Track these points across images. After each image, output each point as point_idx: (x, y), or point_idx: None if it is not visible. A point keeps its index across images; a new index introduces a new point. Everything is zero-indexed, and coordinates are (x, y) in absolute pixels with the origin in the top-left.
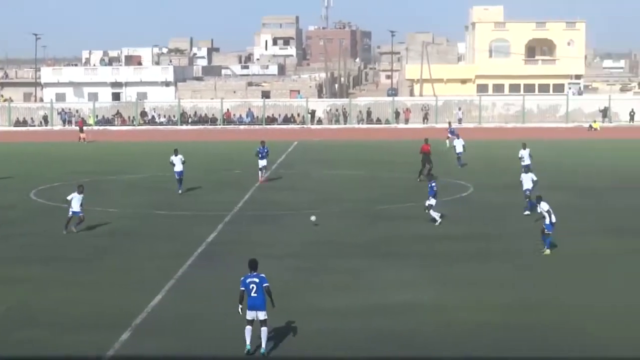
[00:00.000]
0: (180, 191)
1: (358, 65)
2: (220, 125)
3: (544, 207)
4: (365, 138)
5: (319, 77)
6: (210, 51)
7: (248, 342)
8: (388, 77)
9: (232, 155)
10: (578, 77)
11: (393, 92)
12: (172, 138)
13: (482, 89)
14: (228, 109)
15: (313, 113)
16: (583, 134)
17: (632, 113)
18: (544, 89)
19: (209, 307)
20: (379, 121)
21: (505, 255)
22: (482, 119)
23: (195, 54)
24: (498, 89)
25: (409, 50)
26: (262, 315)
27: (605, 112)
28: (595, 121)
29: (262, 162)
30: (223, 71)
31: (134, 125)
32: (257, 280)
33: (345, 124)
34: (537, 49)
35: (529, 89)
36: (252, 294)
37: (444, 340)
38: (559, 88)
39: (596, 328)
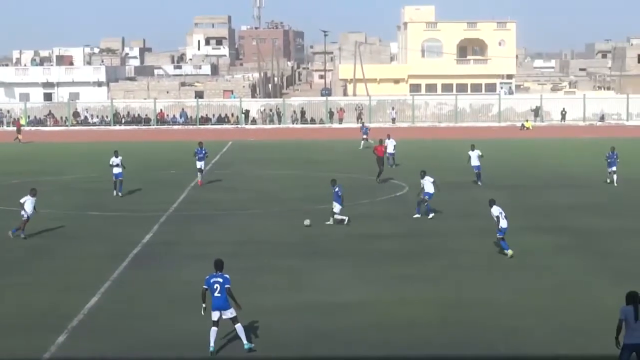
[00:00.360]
0: (120, 194)
1: (291, 65)
2: (153, 125)
3: (494, 211)
4: (299, 138)
5: (253, 77)
6: (143, 51)
7: (212, 343)
8: (321, 77)
9: (167, 155)
10: (510, 76)
11: (327, 92)
12: (106, 138)
13: (415, 88)
14: (161, 109)
15: (247, 113)
16: (515, 133)
17: (563, 112)
18: (476, 88)
19: (145, 308)
20: (313, 121)
21: (438, 253)
22: (415, 118)
23: (127, 53)
24: (431, 88)
25: (341, 50)
26: (228, 314)
27: (537, 112)
28: (527, 120)
29: (200, 164)
30: (156, 71)
31: (66, 126)
32: (220, 280)
33: (279, 123)
34: (469, 48)
35: (462, 88)
36: (216, 294)
37: (377, 338)
38: (491, 87)
39: (527, 325)
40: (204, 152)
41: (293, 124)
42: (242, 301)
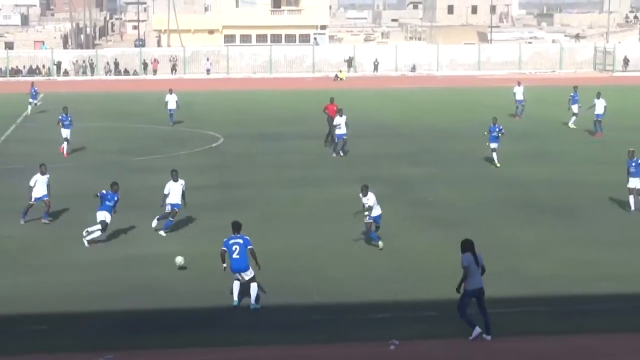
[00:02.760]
0: None
1: (104, 16)
2: None
3: (369, 200)
4: (113, 89)
5: (64, 28)
6: None
7: (235, 297)
8: (135, 27)
9: None
10: (323, 27)
11: (140, 43)
12: None
13: (229, 39)
14: None
15: (59, 64)
16: (329, 83)
17: (376, 63)
18: (290, 39)
19: None
20: (126, 72)
21: (254, 203)
22: (230, 69)
23: None
24: (245, 39)
25: (155, 1)
26: (246, 275)
27: (350, 62)
28: (341, 71)
29: (66, 132)
30: None
31: None
32: (240, 241)
33: (92, 75)
34: None
35: (276, 39)
36: (235, 256)
37: (201, 289)
38: (305, 38)
39: (340, 272)
40: (69, 118)
41: (106, 75)
42: (62, 255)
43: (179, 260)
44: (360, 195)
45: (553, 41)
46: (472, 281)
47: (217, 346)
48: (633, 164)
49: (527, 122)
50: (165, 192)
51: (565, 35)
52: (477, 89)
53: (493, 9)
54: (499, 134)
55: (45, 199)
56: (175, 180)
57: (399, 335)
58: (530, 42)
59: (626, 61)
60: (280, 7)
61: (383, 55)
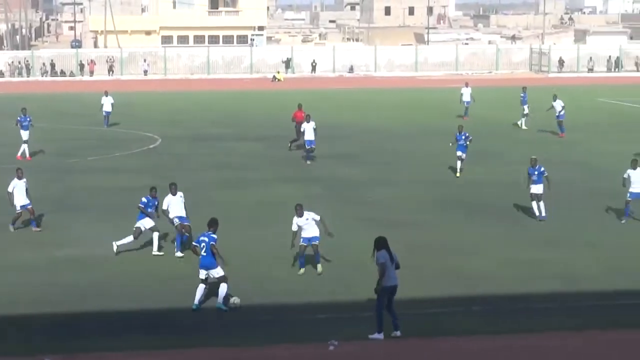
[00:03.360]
0: None
1: (40, 17)
2: None
3: (300, 220)
4: (49, 91)
5: None
6: None
7: (196, 300)
8: (71, 28)
9: None
10: (261, 28)
11: (77, 44)
12: None
13: (166, 40)
14: None
15: None
16: (267, 84)
17: (313, 64)
18: (228, 40)
19: None
20: (63, 73)
21: (190, 205)
22: (167, 70)
23: None
24: (183, 40)
25: (92, 1)
26: (214, 273)
27: (288, 63)
28: (278, 72)
29: (25, 134)
30: None
31: None
32: (206, 239)
33: (28, 76)
34: (221, 0)
35: (214, 40)
36: (202, 253)
37: (142, 291)
38: (242, 39)
39: (279, 273)
40: (28, 119)
41: (43, 76)
42: (2, 256)
43: (236, 301)
44: (295, 217)
45: (489, 42)
46: (388, 278)
47: (158, 349)
48: (535, 172)
49: (468, 122)
50: (164, 207)
51: (501, 37)
52: (415, 89)
53: (430, 10)
54: (467, 142)
55: (29, 207)
56: (174, 194)
57: (338, 335)
58: (466, 44)
59: (561, 62)
60: (217, 8)
61: (321, 56)
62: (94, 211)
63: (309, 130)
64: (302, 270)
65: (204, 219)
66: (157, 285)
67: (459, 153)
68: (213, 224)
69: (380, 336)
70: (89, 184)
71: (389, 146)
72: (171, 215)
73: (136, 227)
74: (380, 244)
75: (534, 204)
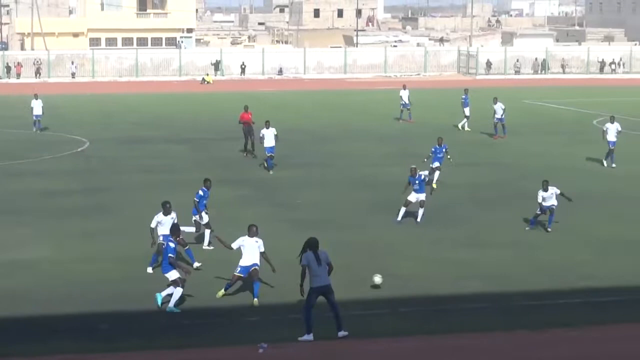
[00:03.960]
0: None
1: None
2: None
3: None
4: None
5: None
6: None
7: (159, 301)
8: None
9: None
10: (190, 30)
11: (3, 46)
12: None
13: (94, 42)
14: None
15: None
16: (196, 87)
17: (243, 66)
18: (157, 42)
19: None
20: None
21: (118, 208)
22: (95, 73)
23: None
24: (111, 42)
25: (18, 3)
26: (169, 276)
27: (217, 66)
28: (207, 74)
29: None
30: None
31: None
32: (164, 245)
33: None
34: (149, 2)
35: (142, 42)
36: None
37: (61, 294)
38: (171, 41)
39: (205, 274)
40: None
41: None
42: None
43: (378, 279)
44: (246, 237)
45: (418, 45)
46: (316, 279)
47: (81, 353)
48: (417, 181)
49: (399, 124)
50: (152, 225)
51: (429, 39)
52: (344, 91)
53: (359, 12)
54: (445, 154)
55: None
56: (167, 214)
57: (268, 338)
58: (395, 46)
59: (489, 64)
60: (146, 10)
61: (250, 58)
62: (21, 215)
63: (269, 136)
64: (256, 301)
65: (130, 222)
66: (85, 289)
67: (436, 164)
68: (176, 231)
69: (310, 337)
70: (17, 187)
71: (319, 148)
72: (159, 233)
73: (195, 220)
74: (308, 245)
75: (402, 210)
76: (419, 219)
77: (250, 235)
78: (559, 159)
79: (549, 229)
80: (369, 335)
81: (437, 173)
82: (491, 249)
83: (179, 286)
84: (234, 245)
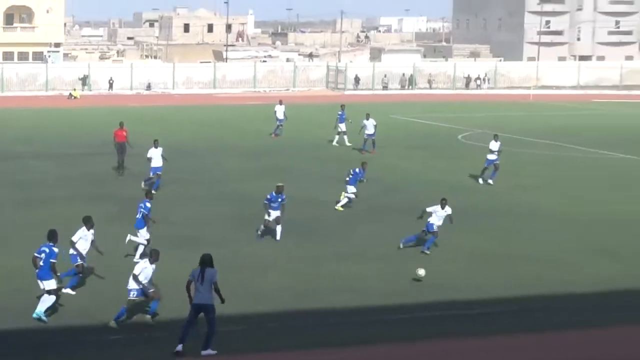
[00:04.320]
0: None
1: None
2: None
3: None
4: None
5: None
6: None
7: (37, 309)
8: None
9: None
10: (57, 45)
11: None
12: None
13: None
14: None
15: None
16: (63, 102)
17: (111, 81)
18: (23, 56)
19: None
20: None
21: None
22: None
23: None
24: None
25: None
26: (46, 285)
27: (85, 80)
28: (75, 89)
29: None
30: None
31: None
32: (47, 250)
33: None
34: (16, 16)
35: (8, 56)
36: (40, 263)
37: None
38: (38, 56)
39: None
40: None
41: None
42: None
43: (422, 272)
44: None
45: (287, 60)
46: (198, 295)
47: None
48: (279, 199)
49: (270, 139)
50: (74, 238)
51: (299, 54)
52: (213, 106)
53: (229, 27)
54: (362, 180)
55: None
56: (89, 229)
57: (133, 355)
58: (265, 61)
59: (357, 79)
60: (12, 24)
61: (118, 73)
62: None
63: (157, 156)
64: (149, 318)
65: None
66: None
67: (352, 188)
68: (53, 237)
69: (179, 348)
70: None
71: (188, 163)
72: (78, 248)
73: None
74: (201, 260)
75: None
76: (278, 237)
77: (152, 262)
78: (423, 174)
79: (427, 252)
80: (233, 350)
81: (352, 197)
82: (355, 263)
83: (53, 294)
84: (137, 273)
